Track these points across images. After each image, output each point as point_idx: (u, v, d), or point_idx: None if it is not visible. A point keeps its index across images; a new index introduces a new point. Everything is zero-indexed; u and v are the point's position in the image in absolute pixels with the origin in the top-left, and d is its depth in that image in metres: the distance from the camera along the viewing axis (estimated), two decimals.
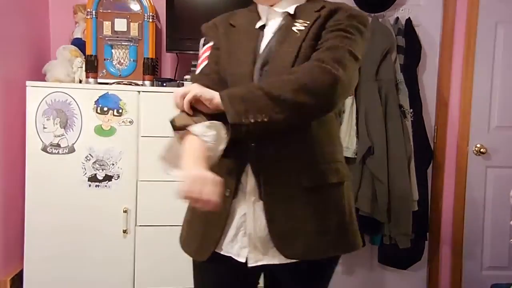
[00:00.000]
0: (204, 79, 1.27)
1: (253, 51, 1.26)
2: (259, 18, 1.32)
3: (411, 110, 2.69)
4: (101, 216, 2.27)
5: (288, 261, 1.23)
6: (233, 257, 1.26)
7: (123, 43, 2.35)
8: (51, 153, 2.23)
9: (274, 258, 1.23)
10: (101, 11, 2.32)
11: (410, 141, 2.62)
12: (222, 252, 1.27)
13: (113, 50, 2.35)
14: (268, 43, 1.26)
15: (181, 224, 1.42)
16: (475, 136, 2.91)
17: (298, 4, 1.29)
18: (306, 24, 1.23)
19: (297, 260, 1.23)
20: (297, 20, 1.25)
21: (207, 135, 1.15)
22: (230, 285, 1.34)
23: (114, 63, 2.36)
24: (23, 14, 2.40)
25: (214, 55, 1.32)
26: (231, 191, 1.23)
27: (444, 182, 2.95)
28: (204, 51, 1.36)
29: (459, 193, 2.94)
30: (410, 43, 2.74)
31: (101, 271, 2.28)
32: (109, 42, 2.34)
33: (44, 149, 2.22)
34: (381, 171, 2.54)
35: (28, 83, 2.22)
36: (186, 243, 1.35)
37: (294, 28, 1.24)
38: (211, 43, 1.35)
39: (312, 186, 1.22)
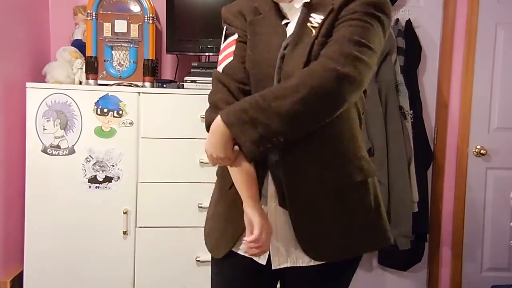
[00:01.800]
0: (225, 90, 1.20)
1: (278, 49, 1.17)
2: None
3: (411, 111, 2.69)
4: (101, 218, 2.27)
5: (312, 263, 1.21)
6: (254, 258, 1.24)
7: (123, 45, 2.35)
8: (51, 154, 2.23)
9: (298, 260, 1.21)
10: (101, 12, 2.32)
11: (410, 143, 2.62)
12: (242, 253, 1.25)
13: (113, 52, 2.35)
14: (287, 43, 1.18)
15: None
16: (475, 138, 2.91)
17: None
18: (320, 20, 1.14)
19: (320, 263, 1.21)
20: (312, 15, 1.16)
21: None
22: (246, 285, 1.32)
23: (114, 65, 2.36)
24: (23, 16, 2.40)
25: (241, 49, 1.23)
26: None
27: (444, 183, 2.95)
28: (228, 45, 1.25)
29: (459, 195, 2.94)
30: (410, 44, 2.74)
31: (101, 272, 2.27)
32: (109, 44, 2.34)
33: (44, 151, 2.22)
34: (381, 172, 2.54)
35: (28, 84, 2.22)
36: (207, 236, 1.34)
37: (309, 25, 1.15)
38: (235, 36, 1.25)
39: (336, 187, 1.18)
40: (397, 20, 2.77)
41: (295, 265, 1.22)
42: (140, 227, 2.29)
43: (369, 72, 1.11)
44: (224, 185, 1.28)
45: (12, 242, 2.33)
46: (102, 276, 2.27)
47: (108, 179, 2.26)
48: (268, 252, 1.23)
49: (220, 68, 1.24)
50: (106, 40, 2.34)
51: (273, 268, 1.23)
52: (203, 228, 1.38)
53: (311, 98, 1.04)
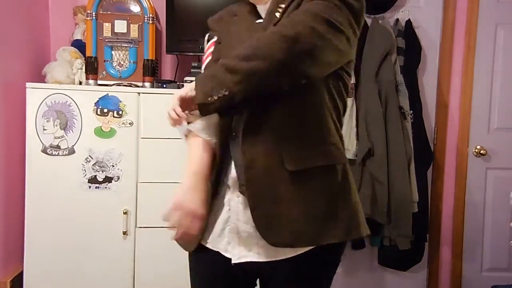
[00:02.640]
0: None
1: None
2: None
3: (411, 111, 2.69)
4: (101, 218, 2.27)
5: (275, 258, 1.16)
6: (221, 252, 1.23)
7: (123, 45, 2.35)
8: (51, 154, 2.23)
9: (260, 256, 1.17)
10: (101, 12, 2.32)
11: (410, 143, 2.62)
12: (210, 247, 1.24)
13: (113, 52, 2.35)
14: None
15: None
16: (475, 138, 2.91)
17: None
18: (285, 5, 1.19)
19: (286, 257, 1.16)
20: (280, 5, 1.20)
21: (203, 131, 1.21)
22: (219, 279, 1.28)
23: (114, 65, 2.36)
24: (23, 16, 2.40)
25: (217, 50, 1.29)
26: (212, 185, 1.22)
27: (444, 183, 2.95)
28: (208, 47, 1.33)
29: (459, 195, 2.94)
30: (410, 44, 2.74)
31: (101, 273, 2.27)
32: (109, 44, 2.34)
33: (44, 151, 2.22)
34: (381, 172, 2.54)
35: (28, 84, 2.22)
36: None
37: (276, 14, 1.19)
38: (214, 38, 1.32)
39: (297, 169, 1.13)
40: (397, 20, 2.77)
41: (257, 260, 1.18)
42: (140, 227, 2.29)
43: (327, 48, 1.07)
44: None
45: (12, 242, 2.33)
46: (102, 276, 2.27)
47: (108, 179, 2.26)
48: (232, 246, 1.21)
49: (202, 68, 1.33)
50: (106, 40, 2.34)
51: (232, 262, 1.20)
52: None
53: (255, 56, 1.06)
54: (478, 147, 2.90)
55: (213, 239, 1.24)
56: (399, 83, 2.64)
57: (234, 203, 1.21)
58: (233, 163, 1.19)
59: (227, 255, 1.22)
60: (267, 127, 1.15)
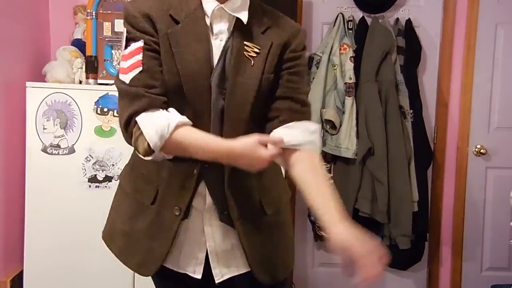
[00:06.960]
0: (146, 96, 1.13)
1: (208, 59, 1.16)
2: (201, 11, 1.17)
3: (411, 110, 2.69)
4: (101, 217, 2.25)
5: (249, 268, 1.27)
6: (189, 274, 1.25)
7: None
8: (51, 154, 2.23)
9: (239, 269, 1.27)
10: (101, 12, 2.32)
11: (410, 142, 2.62)
12: (176, 269, 1.26)
13: (113, 51, 2.36)
14: (220, 59, 1.17)
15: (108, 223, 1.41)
16: (475, 137, 2.91)
17: (247, 11, 1.18)
18: (257, 51, 1.17)
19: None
20: (246, 44, 1.17)
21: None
22: None
23: (114, 64, 2.36)
24: (23, 15, 2.40)
25: (149, 59, 1.14)
26: (181, 210, 1.20)
27: (444, 183, 2.95)
28: (133, 53, 1.15)
29: (459, 194, 2.94)
30: (410, 44, 2.74)
31: (101, 272, 2.27)
32: (109, 43, 2.34)
33: (44, 150, 2.22)
34: (381, 172, 2.54)
35: (28, 84, 2.22)
36: (124, 254, 1.31)
37: (246, 54, 1.17)
38: (140, 43, 1.14)
39: (274, 210, 1.29)
40: (397, 19, 2.77)
41: (237, 274, 1.26)
42: None
43: None
44: (142, 199, 1.26)
45: (12, 242, 2.33)
46: (102, 275, 2.27)
47: (108, 179, 2.26)
48: (202, 267, 1.25)
49: (125, 78, 1.15)
50: (106, 39, 2.34)
51: (216, 282, 1.25)
52: None
53: None
54: (478, 146, 2.90)
55: (181, 261, 1.26)
56: (399, 83, 2.64)
57: (208, 228, 1.24)
58: (206, 190, 1.22)
59: (195, 276, 1.25)
60: (249, 175, 1.20)
